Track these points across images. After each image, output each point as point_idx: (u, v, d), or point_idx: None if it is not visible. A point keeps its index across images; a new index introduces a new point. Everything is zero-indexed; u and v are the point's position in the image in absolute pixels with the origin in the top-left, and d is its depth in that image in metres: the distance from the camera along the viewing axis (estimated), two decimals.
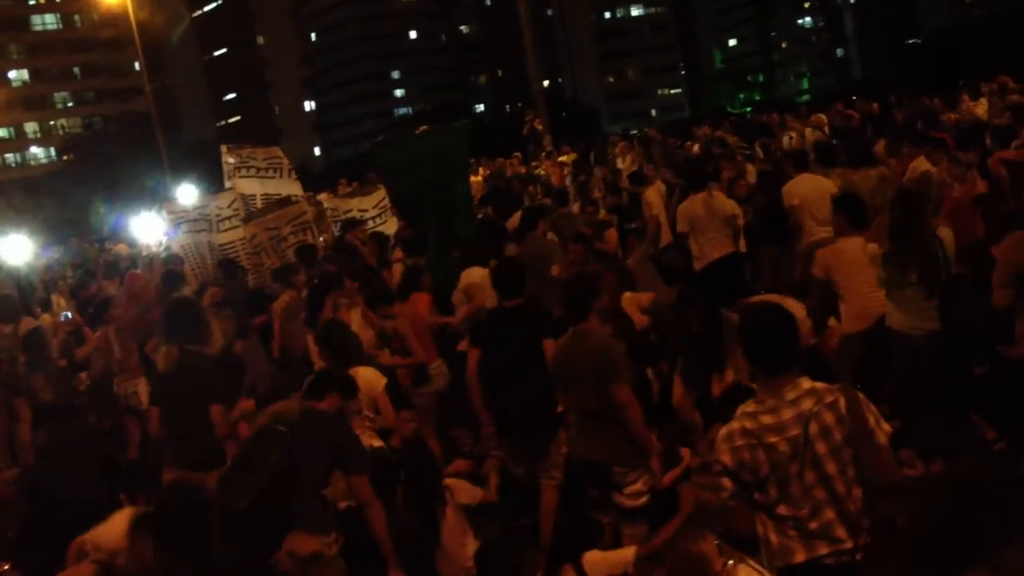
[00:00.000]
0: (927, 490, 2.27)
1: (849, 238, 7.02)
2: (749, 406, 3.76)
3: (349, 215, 13.74)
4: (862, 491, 3.66)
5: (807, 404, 3.67)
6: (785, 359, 3.76)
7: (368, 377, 6.77)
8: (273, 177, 13.34)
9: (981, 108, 16.56)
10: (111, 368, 9.51)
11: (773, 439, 3.64)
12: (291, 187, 13.60)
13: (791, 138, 16.01)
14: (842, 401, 3.67)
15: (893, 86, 27.14)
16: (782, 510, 3.67)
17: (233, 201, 13.04)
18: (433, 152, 11.39)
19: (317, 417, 5.18)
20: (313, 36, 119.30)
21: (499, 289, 6.71)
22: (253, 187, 13.27)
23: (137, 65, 66.42)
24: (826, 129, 16.80)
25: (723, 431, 3.79)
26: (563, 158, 22.31)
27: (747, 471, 3.68)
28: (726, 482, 3.71)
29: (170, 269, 11.46)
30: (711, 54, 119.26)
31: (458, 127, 12.96)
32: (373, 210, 14.13)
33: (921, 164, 10.58)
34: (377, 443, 6.44)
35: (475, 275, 9.04)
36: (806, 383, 3.74)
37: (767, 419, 3.67)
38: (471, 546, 6.06)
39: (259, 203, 13.14)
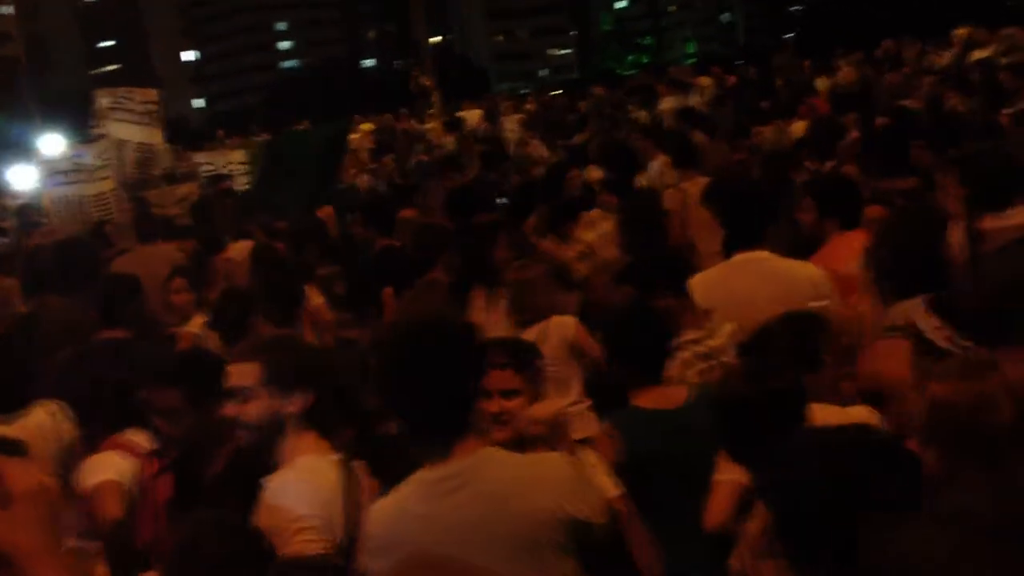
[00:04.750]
0: None
1: None
2: None
3: (230, 168, 13.40)
4: None
5: None
6: None
7: None
8: (147, 124, 12.80)
9: (856, 72, 17.04)
10: None
11: None
12: (159, 136, 13.12)
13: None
14: None
15: (776, 51, 27.64)
16: None
17: (105, 150, 12.55)
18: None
19: None
20: None
21: None
22: (130, 132, 12.72)
23: (6, 8, 63.21)
24: (708, 92, 17.08)
25: None
26: (462, 113, 22.13)
27: None
28: None
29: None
30: (599, 16, 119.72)
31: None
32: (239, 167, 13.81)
33: (798, 129, 10.84)
34: None
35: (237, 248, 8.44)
36: None
37: None
38: None
39: (132, 151, 12.63)
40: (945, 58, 16.60)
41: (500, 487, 2.65)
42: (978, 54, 15.68)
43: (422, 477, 2.71)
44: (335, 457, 3.12)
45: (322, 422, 3.13)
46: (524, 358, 3.47)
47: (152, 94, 13.01)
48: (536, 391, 3.51)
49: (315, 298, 6.79)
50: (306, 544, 2.79)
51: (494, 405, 3.27)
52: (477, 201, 8.39)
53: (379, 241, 7.45)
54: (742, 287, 4.58)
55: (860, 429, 2.29)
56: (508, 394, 3.34)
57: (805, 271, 4.60)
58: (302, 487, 2.98)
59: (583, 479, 2.82)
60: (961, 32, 16.82)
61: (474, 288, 5.92)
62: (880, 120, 8.87)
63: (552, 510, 2.62)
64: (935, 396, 2.43)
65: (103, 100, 12.80)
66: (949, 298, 3.40)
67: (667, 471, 3.38)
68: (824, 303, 4.39)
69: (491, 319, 5.85)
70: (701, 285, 4.71)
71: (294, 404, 3.10)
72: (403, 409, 2.77)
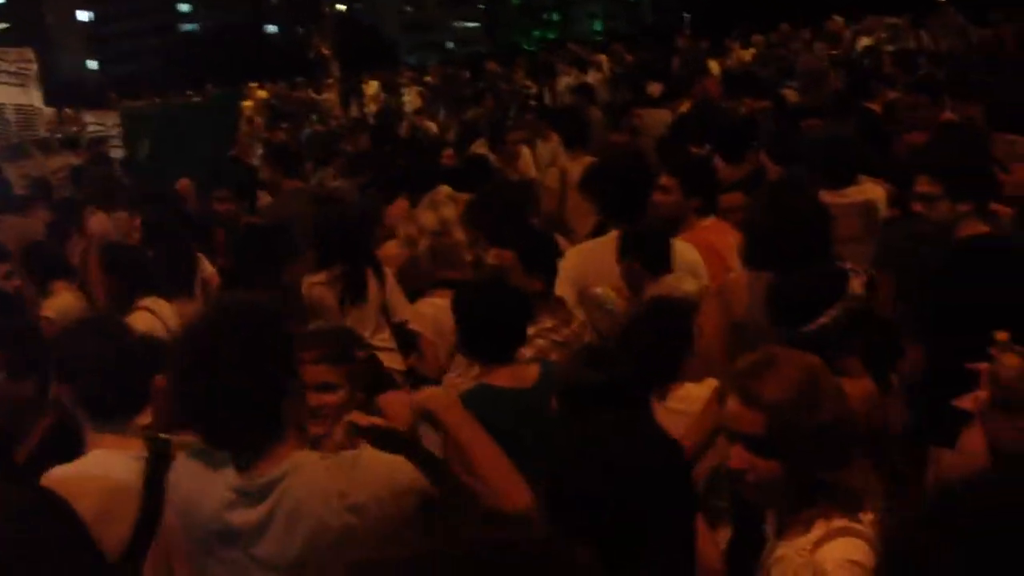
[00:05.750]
0: None
1: None
2: None
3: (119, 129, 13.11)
4: None
5: None
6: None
7: None
8: (23, 85, 12.26)
9: (749, 55, 17.29)
10: None
11: None
12: (38, 98, 12.61)
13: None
14: None
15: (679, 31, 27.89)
16: None
17: None
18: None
19: None
20: None
21: None
22: (6, 95, 12.19)
23: None
24: (606, 70, 17.15)
25: None
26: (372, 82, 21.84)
27: None
28: None
29: None
30: None
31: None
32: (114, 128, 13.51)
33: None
34: None
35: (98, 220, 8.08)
36: None
37: None
38: None
39: (11, 114, 12.12)
40: (837, 46, 16.95)
41: (301, 496, 2.42)
42: (865, 41, 16.11)
43: (227, 482, 2.47)
44: (136, 453, 2.96)
45: (101, 413, 3.01)
46: (340, 350, 3.29)
47: (28, 54, 12.49)
48: (361, 382, 3.36)
49: (207, 267, 6.61)
50: None
51: (313, 399, 3.07)
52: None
53: (244, 218, 7.20)
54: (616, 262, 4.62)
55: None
56: (324, 388, 3.18)
57: (680, 250, 4.64)
58: (82, 482, 2.84)
59: (402, 485, 2.50)
60: (839, 19, 17.26)
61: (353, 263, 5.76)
62: (760, 104, 9.00)
63: (348, 525, 2.40)
64: (769, 400, 2.35)
65: None
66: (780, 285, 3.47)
67: (515, 450, 3.34)
68: (703, 282, 4.49)
69: (381, 295, 5.78)
70: (577, 256, 4.79)
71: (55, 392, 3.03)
72: (201, 410, 2.45)
